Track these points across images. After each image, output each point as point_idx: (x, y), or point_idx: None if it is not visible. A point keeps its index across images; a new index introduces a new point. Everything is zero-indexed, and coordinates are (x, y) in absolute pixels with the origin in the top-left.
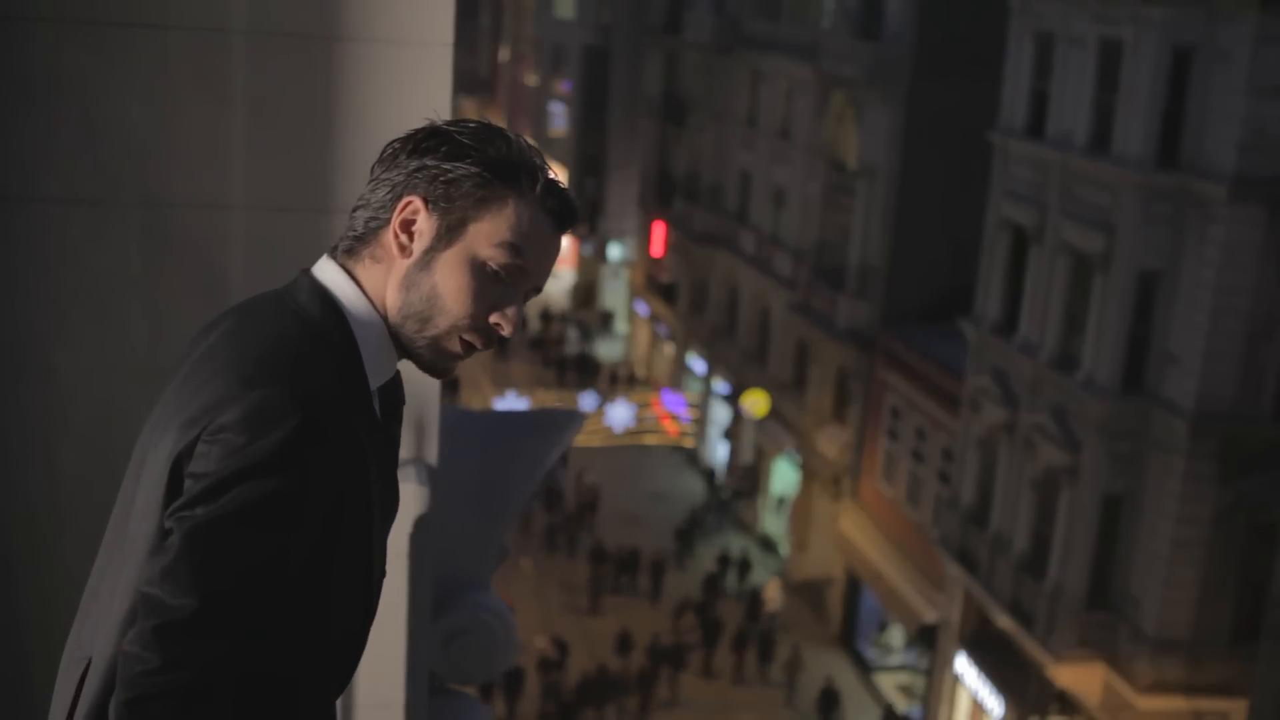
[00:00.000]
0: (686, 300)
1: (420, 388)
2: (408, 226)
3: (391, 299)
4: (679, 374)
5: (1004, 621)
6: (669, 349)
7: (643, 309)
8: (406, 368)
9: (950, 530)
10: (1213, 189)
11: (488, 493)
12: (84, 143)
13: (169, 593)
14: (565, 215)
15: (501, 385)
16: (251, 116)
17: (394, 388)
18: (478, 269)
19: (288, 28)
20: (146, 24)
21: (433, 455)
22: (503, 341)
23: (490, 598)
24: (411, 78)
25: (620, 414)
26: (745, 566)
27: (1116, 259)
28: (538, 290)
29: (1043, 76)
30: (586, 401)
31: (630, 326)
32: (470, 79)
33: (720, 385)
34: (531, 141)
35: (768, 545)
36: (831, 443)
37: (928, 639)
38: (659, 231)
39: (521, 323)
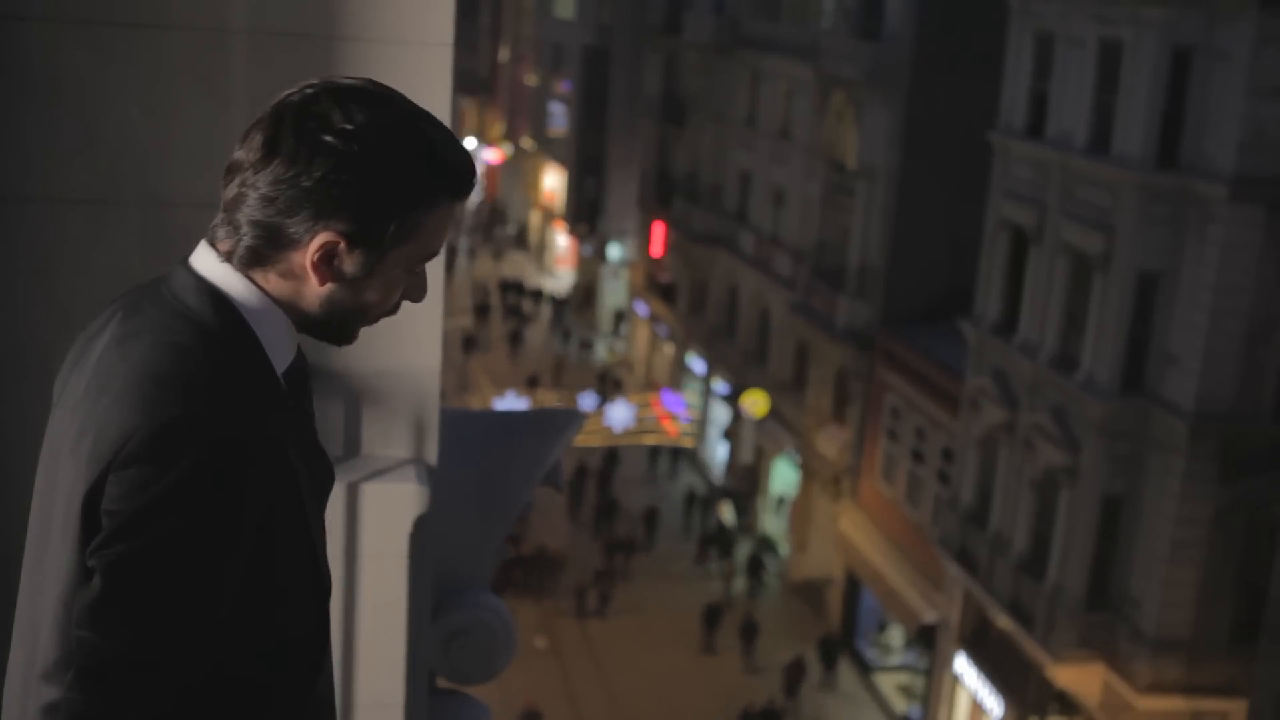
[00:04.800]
0: (686, 300)
1: (420, 388)
2: (326, 259)
3: (311, 310)
4: (679, 374)
5: (1004, 621)
6: (669, 349)
7: (642, 309)
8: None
9: (950, 530)
10: (1212, 189)
11: (488, 493)
12: (84, 143)
13: (101, 634)
14: (470, 188)
15: (501, 385)
16: (251, 116)
17: (299, 365)
18: (401, 276)
19: (288, 28)
20: (146, 24)
21: (433, 455)
22: None
23: (490, 597)
24: (411, 78)
25: (620, 414)
26: (708, 504)
27: (1116, 259)
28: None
29: (1043, 76)
30: (586, 401)
31: (630, 326)
32: (470, 79)
33: (720, 385)
34: (431, 118)
35: (768, 545)
36: (831, 443)
37: (927, 639)
38: (659, 231)
39: None
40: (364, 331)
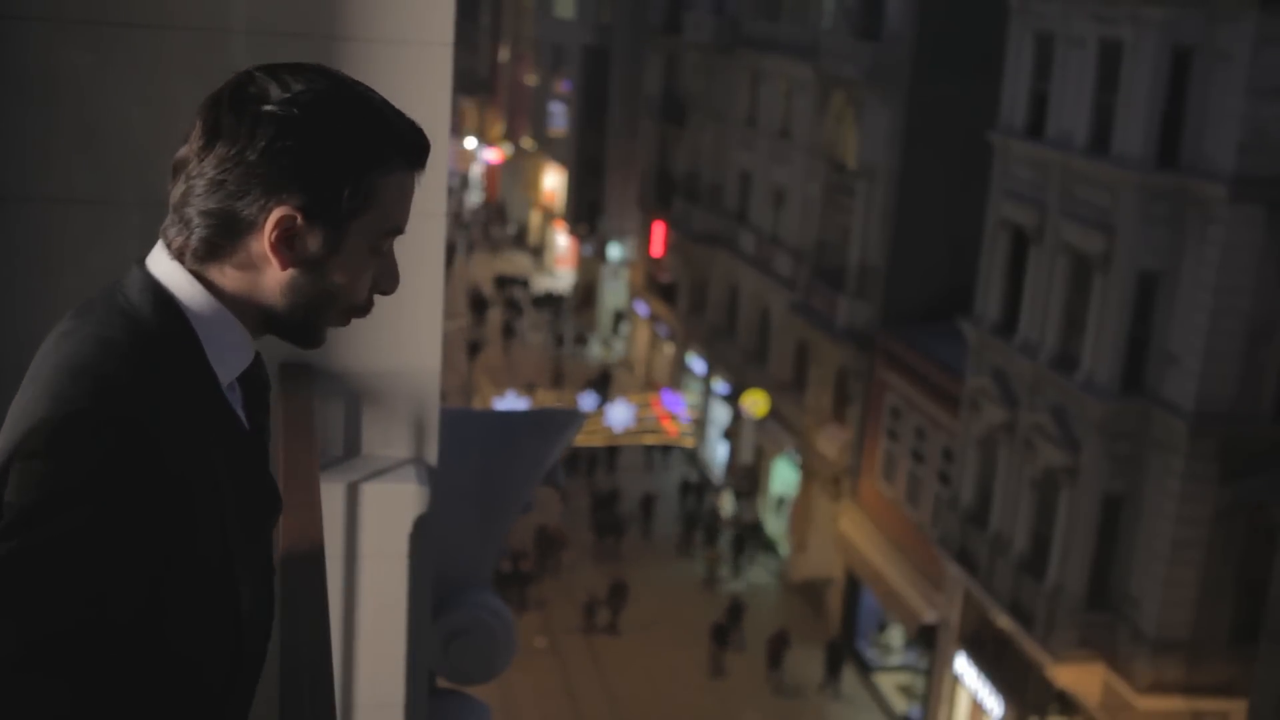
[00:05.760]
0: (686, 300)
1: (420, 388)
2: (286, 239)
3: (272, 301)
4: (679, 374)
5: (1004, 621)
6: (669, 349)
7: (642, 309)
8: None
9: (950, 530)
10: (1213, 189)
11: (488, 493)
12: (83, 143)
13: None
14: (424, 156)
15: (501, 385)
16: None
17: (256, 375)
18: (366, 256)
19: (288, 28)
20: (146, 24)
21: (433, 455)
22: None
23: (490, 597)
24: (411, 78)
25: (620, 414)
26: (702, 490)
27: (1116, 259)
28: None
29: (1043, 76)
30: (586, 401)
31: (630, 326)
32: (470, 79)
33: (720, 385)
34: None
35: (767, 545)
36: (831, 443)
37: (927, 639)
38: (659, 231)
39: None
40: (364, 332)
